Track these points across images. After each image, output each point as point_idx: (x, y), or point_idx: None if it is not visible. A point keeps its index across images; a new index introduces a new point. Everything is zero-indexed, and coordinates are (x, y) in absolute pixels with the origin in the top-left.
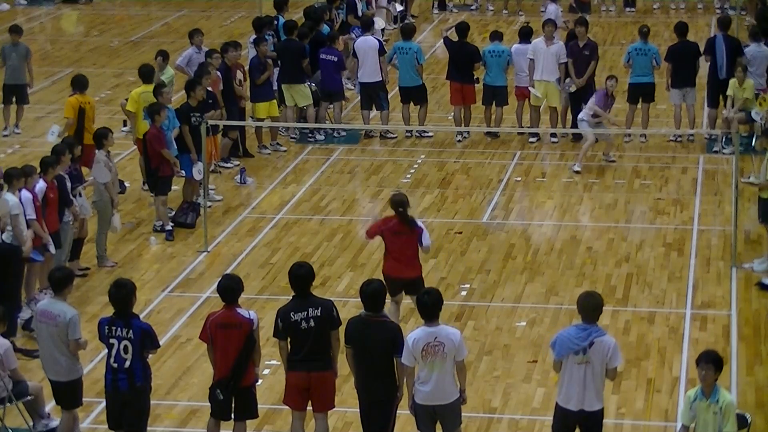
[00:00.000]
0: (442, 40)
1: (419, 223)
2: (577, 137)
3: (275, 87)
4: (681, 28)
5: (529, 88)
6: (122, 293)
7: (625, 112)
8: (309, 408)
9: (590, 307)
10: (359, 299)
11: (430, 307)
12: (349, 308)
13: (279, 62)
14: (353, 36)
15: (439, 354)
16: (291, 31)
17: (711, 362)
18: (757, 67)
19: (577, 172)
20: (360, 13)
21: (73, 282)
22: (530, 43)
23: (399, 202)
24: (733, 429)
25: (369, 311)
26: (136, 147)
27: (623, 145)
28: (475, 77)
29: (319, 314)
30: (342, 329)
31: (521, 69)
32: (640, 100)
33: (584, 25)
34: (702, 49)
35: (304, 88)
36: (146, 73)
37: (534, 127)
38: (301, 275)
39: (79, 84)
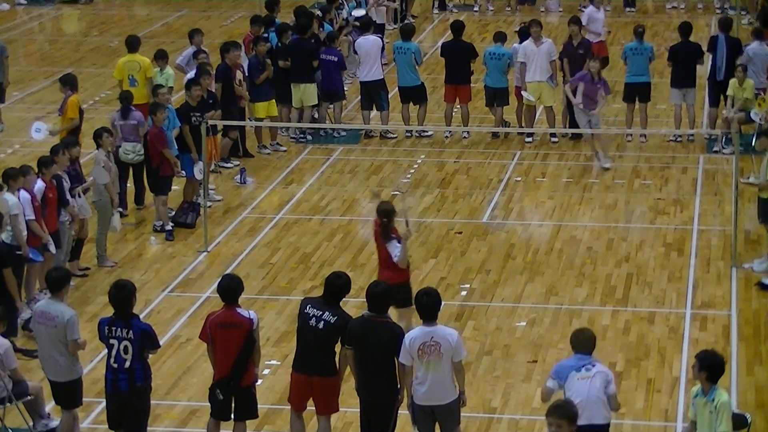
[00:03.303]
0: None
1: (393, 237)
2: (577, 137)
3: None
4: (684, 29)
5: (522, 92)
6: (122, 294)
7: (624, 113)
8: (310, 408)
9: (583, 341)
10: (359, 299)
11: (428, 307)
12: (349, 308)
13: (289, 61)
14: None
15: (434, 354)
16: (303, 31)
17: (697, 359)
18: (759, 66)
19: (607, 168)
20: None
21: (69, 282)
22: None
23: (384, 212)
24: (727, 429)
25: (372, 312)
26: None
27: (623, 145)
28: (471, 70)
29: (332, 322)
30: None
31: None
32: (637, 99)
33: (577, 23)
34: (705, 48)
35: (314, 88)
36: (132, 43)
37: (529, 127)
38: (338, 286)
39: (72, 84)
